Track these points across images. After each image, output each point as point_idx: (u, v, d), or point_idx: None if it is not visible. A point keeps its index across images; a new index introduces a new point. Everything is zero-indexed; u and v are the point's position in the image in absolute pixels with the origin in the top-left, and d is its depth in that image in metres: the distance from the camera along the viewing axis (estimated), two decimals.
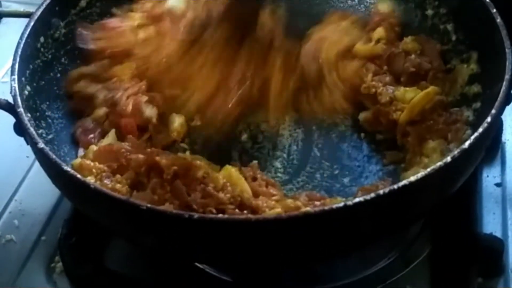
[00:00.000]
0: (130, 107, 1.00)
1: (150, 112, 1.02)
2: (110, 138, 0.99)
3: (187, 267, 0.95)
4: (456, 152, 0.78)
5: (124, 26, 1.08)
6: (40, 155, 0.85)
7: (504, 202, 1.00)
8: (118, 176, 0.91)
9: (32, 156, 1.06)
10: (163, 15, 1.11)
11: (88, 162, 0.92)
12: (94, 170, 0.91)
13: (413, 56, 1.06)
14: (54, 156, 0.82)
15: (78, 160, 0.93)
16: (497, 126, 0.98)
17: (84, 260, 0.95)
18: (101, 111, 1.01)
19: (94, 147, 0.96)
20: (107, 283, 0.94)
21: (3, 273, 0.96)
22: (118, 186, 0.89)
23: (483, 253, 0.92)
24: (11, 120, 0.89)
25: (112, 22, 1.09)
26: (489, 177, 1.04)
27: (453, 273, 0.91)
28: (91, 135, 0.99)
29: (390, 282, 0.92)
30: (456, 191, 0.85)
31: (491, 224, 0.97)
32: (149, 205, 0.75)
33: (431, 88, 1.00)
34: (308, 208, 0.83)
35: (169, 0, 1.14)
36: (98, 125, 1.01)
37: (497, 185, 1.03)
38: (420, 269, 0.93)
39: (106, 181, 0.89)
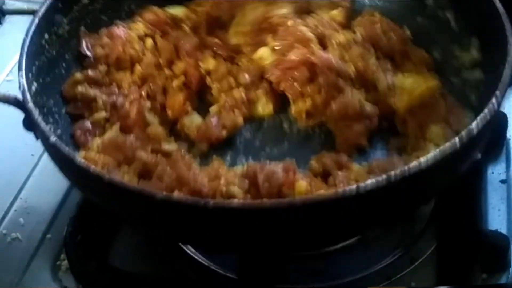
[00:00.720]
0: (134, 112, 1.00)
1: (152, 119, 1.02)
2: (114, 131, 0.98)
3: (191, 264, 0.95)
4: (463, 135, 0.77)
5: (129, 35, 1.09)
6: (52, 149, 0.84)
7: (509, 198, 1.00)
8: (125, 167, 0.91)
9: (37, 154, 1.06)
10: (165, 22, 1.12)
11: (92, 154, 0.91)
12: (99, 163, 0.91)
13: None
14: (67, 149, 0.81)
15: (82, 153, 0.93)
16: (501, 109, 0.97)
17: (89, 257, 0.95)
18: (101, 114, 1.00)
19: (98, 140, 0.95)
20: (112, 281, 0.94)
21: (9, 271, 0.96)
22: (126, 177, 0.89)
23: (488, 249, 0.92)
24: (16, 118, 0.89)
25: (117, 30, 1.09)
26: (494, 173, 1.04)
27: (458, 270, 0.91)
28: (90, 137, 0.98)
29: (395, 279, 0.92)
30: (461, 188, 0.84)
31: (496, 221, 0.97)
32: (164, 194, 0.75)
33: (434, 83, 0.99)
34: (322, 191, 0.84)
35: (169, 7, 1.15)
36: (97, 126, 1.00)
37: (502, 181, 1.03)
38: (425, 266, 0.93)
39: (114, 173, 0.89)
